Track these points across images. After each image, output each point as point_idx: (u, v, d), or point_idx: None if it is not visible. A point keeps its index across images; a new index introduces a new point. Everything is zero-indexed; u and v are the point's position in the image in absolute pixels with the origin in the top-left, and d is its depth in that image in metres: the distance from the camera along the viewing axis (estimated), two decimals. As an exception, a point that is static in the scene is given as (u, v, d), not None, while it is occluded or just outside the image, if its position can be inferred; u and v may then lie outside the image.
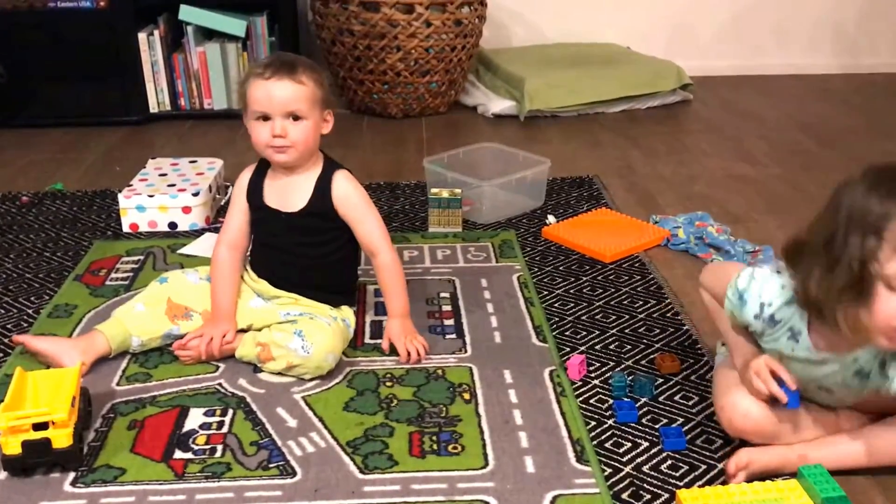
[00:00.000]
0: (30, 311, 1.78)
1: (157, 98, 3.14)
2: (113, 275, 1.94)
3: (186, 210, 2.17)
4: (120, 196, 2.17)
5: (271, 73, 1.50)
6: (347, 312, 1.66)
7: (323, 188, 1.58)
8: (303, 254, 1.62)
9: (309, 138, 1.54)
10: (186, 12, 3.07)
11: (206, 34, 3.16)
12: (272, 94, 1.50)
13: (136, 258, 2.02)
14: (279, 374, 1.54)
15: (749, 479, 1.25)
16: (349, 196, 1.59)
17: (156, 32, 3.07)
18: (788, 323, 1.24)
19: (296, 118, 1.52)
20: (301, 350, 1.50)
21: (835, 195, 1.13)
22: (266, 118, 1.52)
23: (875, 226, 1.06)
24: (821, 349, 1.22)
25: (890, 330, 1.09)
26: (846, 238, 1.08)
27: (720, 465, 1.31)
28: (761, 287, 1.26)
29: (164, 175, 2.29)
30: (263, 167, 1.63)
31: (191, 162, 2.39)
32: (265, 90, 1.50)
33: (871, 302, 1.08)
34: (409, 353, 1.59)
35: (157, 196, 2.16)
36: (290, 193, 1.60)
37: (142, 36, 3.05)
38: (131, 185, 2.23)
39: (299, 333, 1.51)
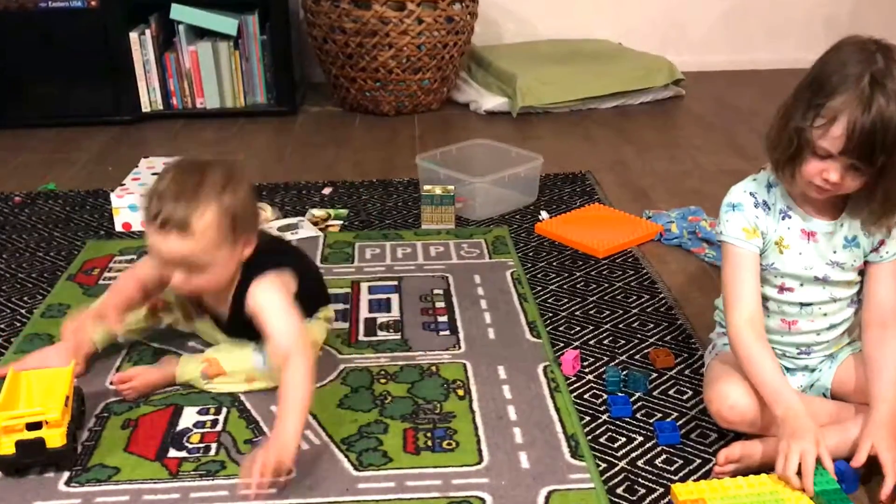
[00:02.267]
0: (23, 311, 1.78)
1: (149, 97, 3.13)
2: (106, 274, 1.93)
3: (179, 209, 2.16)
4: (112, 195, 2.17)
5: (160, 223, 1.29)
6: (324, 313, 1.60)
7: (239, 304, 1.41)
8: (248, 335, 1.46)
9: (218, 278, 1.37)
10: (178, 11, 3.06)
11: (198, 33, 3.15)
12: (160, 250, 1.31)
13: (129, 257, 2.02)
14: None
15: (744, 473, 1.25)
16: (257, 313, 1.38)
17: (147, 32, 3.06)
18: (778, 204, 1.33)
19: (196, 267, 1.34)
20: (262, 364, 1.44)
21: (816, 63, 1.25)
22: None
23: (818, 99, 1.18)
24: (811, 215, 1.31)
25: (811, 185, 1.25)
26: (796, 107, 1.23)
27: (715, 459, 1.31)
28: (737, 188, 1.36)
29: (157, 174, 2.28)
30: None
31: (183, 161, 2.39)
32: (153, 241, 1.32)
33: (802, 164, 1.23)
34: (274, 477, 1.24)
35: (150, 195, 2.15)
36: (213, 301, 1.48)
37: (133, 35, 3.04)
38: (124, 185, 2.22)
39: (256, 349, 1.45)
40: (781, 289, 1.36)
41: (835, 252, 1.32)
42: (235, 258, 1.38)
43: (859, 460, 1.22)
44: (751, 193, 1.34)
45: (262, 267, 1.41)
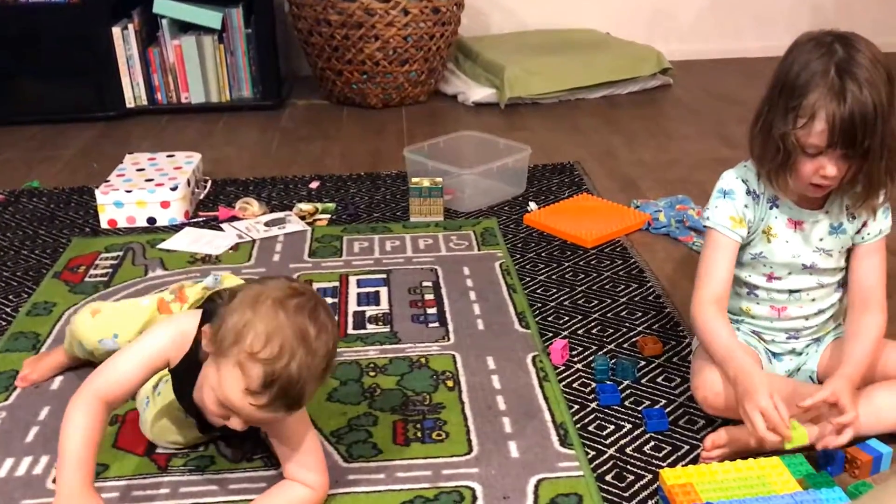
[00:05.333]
0: (8, 310, 1.77)
1: (133, 93, 3.11)
2: (92, 271, 1.92)
3: (165, 205, 2.15)
4: (97, 192, 2.15)
5: (268, 399, 1.06)
6: None
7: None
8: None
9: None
10: (161, 5, 3.04)
11: (182, 27, 3.13)
12: (250, 415, 1.09)
13: (114, 254, 2.01)
14: None
15: (731, 458, 1.26)
16: (289, 434, 1.20)
17: (130, 26, 3.04)
18: (766, 193, 1.34)
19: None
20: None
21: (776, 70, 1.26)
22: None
23: (793, 101, 1.20)
24: (798, 205, 1.33)
25: (810, 186, 1.26)
26: (773, 115, 1.24)
27: (702, 445, 1.31)
28: (730, 174, 1.36)
29: (142, 170, 2.28)
30: (195, 362, 1.17)
31: (168, 156, 2.37)
32: (241, 405, 1.07)
33: (795, 167, 1.24)
34: None
35: (135, 191, 2.14)
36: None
37: (116, 30, 3.02)
38: (109, 181, 2.21)
39: None
40: (770, 277, 1.37)
41: (821, 240, 1.34)
42: None
43: (815, 400, 1.20)
44: (743, 181, 1.35)
45: None
